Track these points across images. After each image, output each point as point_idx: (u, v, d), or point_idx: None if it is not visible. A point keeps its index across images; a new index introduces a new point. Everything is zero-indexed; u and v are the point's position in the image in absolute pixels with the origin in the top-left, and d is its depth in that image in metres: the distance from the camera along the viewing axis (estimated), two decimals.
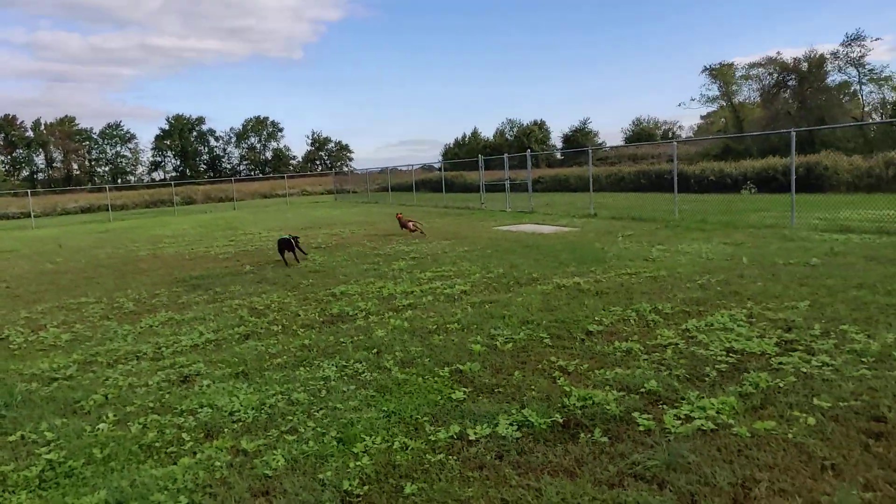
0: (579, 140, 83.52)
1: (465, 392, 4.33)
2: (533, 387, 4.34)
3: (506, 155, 24.04)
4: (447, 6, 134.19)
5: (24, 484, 3.42)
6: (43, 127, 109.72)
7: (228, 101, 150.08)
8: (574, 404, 3.91)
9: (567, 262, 9.44)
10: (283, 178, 53.87)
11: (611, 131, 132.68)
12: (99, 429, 4.10)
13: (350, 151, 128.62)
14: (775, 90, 49.73)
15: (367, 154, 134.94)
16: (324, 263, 11.17)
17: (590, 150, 21.12)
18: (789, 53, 53.05)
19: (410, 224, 15.79)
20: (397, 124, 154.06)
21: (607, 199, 23.00)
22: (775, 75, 50.64)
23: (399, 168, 42.92)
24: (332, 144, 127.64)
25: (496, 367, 4.84)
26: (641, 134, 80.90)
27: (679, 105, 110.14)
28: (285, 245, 11.64)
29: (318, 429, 3.88)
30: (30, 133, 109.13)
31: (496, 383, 4.49)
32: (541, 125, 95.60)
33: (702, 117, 76.58)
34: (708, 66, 55.47)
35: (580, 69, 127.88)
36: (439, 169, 57.53)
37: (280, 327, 6.61)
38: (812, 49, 46.56)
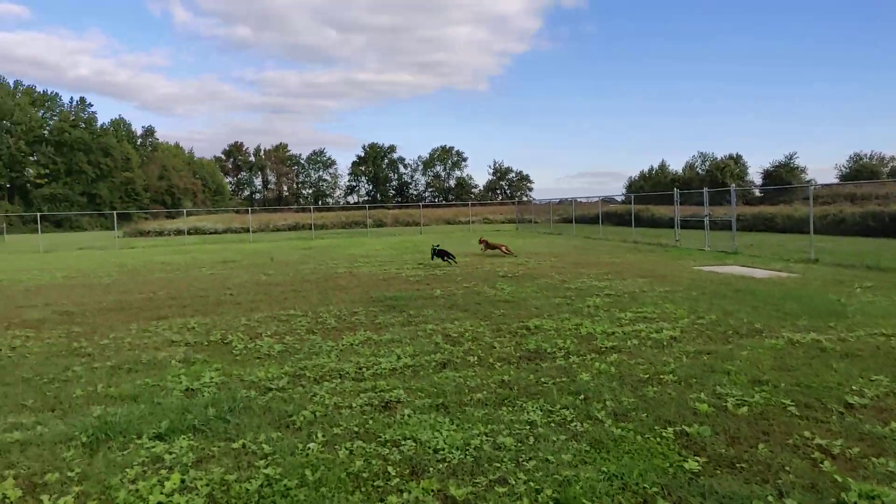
0: (783, 176, 76.21)
1: (698, 462, 3.71)
2: (788, 468, 3.60)
3: (706, 189, 22.26)
4: (632, 39, 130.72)
5: (244, 496, 3.45)
6: (262, 153, 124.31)
7: (418, 130, 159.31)
8: (856, 502, 3.13)
9: (795, 314, 8.22)
10: (466, 205, 55.30)
11: (820, 168, 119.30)
12: (310, 448, 4.10)
13: (530, 181, 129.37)
14: None
15: (547, 184, 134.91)
16: (513, 294, 10.92)
17: (811, 188, 18.67)
18: None
19: (503, 247, 19.65)
20: (577, 156, 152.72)
21: (826, 243, 20.31)
22: None
23: (579, 199, 42.36)
24: (513, 174, 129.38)
25: (731, 435, 4.14)
26: (862, 171, 71.63)
27: None
28: (438, 253, 17.37)
29: (531, 483, 3.51)
30: (252, 158, 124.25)
31: (736, 456, 3.81)
32: (736, 159, 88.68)
33: None
34: None
35: (782, 101, 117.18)
36: (623, 201, 55.76)
37: (476, 358, 6.39)
38: None
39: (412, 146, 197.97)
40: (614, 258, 17.55)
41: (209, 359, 6.71)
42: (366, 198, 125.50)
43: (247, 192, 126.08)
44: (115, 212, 36.53)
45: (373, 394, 5.28)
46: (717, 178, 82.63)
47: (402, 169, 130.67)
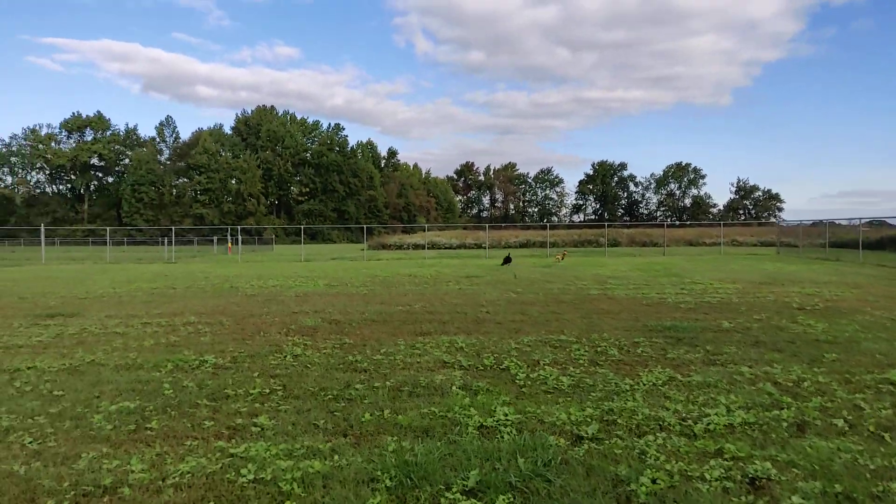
0: None
1: None
2: None
3: None
4: None
5: None
6: (491, 172, 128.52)
7: (650, 147, 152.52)
8: None
9: None
10: (719, 224, 50.60)
11: None
12: None
13: (780, 201, 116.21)
14: None
15: (799, 205, 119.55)
16: (830, 332, 8.74)
17: None
18: None
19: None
20: (837, 173, 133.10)
21: None
22: None
23: (837, 221, 36.09)
24: (760, 193, 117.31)
25: None
26: None
27: None
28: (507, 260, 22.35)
29: None
30: (481, 177, 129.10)
31: None
32: None
33: None
34: None
35: None
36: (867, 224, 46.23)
37: (842, 422, 4.74)
38: None
39: (644, 164, 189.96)
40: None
41: (492, 387, 5.94)
42: (592, 216, 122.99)
43: (475, 210, 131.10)
44: (363, 226, 39.73)
45: (723, 461, 3.98)
46: None
47: (632, 187, 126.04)
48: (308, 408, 5.36)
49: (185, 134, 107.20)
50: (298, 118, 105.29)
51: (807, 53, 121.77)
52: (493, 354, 7.51)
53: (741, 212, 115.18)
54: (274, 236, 73.48)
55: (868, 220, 37.91)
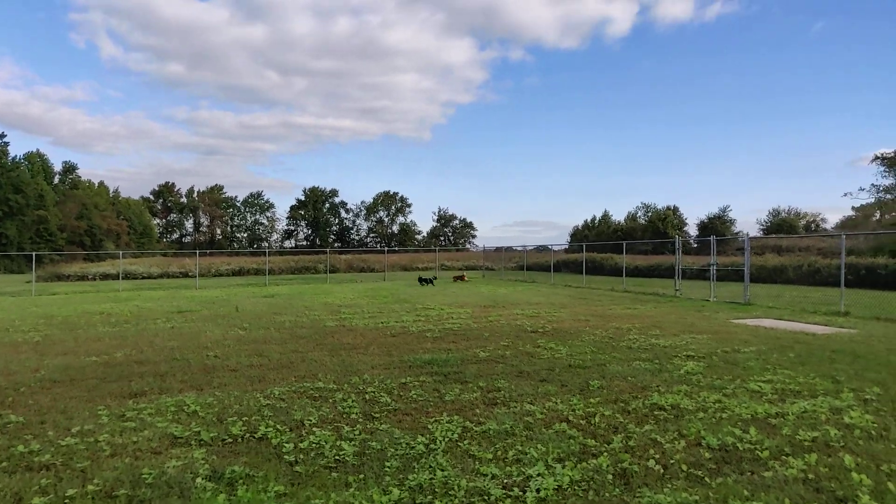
0: (717, 227, 78.65)
1: None
2: None
3: (713, 237, 21.16)
4: (577, 96, 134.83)
5: None
6: (195, 194, 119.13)
7: (360, 176, 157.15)
8: None
9: None
10: (434, 250, 53.45)
11: (745, 221, 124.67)
12: None
13: (474, 229, 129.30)
14: None
15: (485, 232, 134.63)
16: (574, 355, 9.01)
17: (844, 237, 17.54)
18: None
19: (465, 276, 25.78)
20: (514, 205, 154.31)
21: (836, 295, 19.51)
22: None
23: (515, 248, 42.24)
24: (457, 221, 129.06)
25: None
26: (783, 225, 74.87)
27: (845, 195, 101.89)
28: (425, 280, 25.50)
29: None
30: (183, 199, 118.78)
31: None
32: (674, 210, 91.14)
33: (854, 209, 69.68)
34: (881, 155, 50.24)
35: (713, 159, 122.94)
36: (567, 250, 55.15)
37: (658, 466, 4.40)
38: None
39: (354, 191, 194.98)
40: (629, 310, 15.97)
41: (254, 472, 4.42)
42: (304, 242, 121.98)
43: (177, 234, 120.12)
44: (30, 254, 32.22)
45: None
46: (659, 228, 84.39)
47: (343, 213, 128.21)
48: None
49: None
50: None
51: (492, 100, 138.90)
52: (241, 417, 5.90)
53: (442, 238, 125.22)
54: None
55: (536, 246, 43.97)
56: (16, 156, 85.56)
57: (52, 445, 5.15)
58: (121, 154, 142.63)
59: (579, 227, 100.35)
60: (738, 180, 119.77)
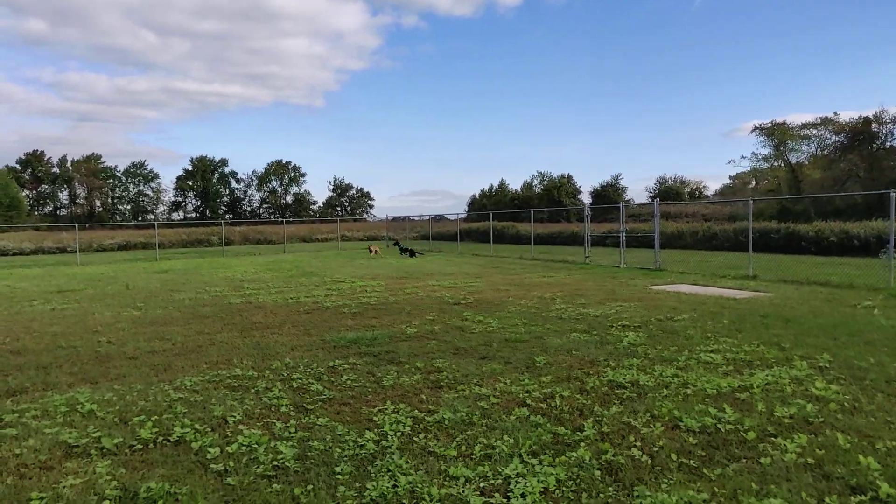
0: (610, 195, 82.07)
1: None
2: None
3: (622, 204, 21.56)
4: (469, 65, 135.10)
5: None
6: (69, 164, 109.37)
7: (250, 145, 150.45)
8: None
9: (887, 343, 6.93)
10: (336, 221, 51.90)
11: (634, 189, 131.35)
12: None
13: (371, 199, 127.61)
14: (839, 152, 47.71)
15: (382, 202, 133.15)
16: (508, 328, 8.69)
17: (751, 202, 18.17)
18: (847, 115, 50.99)
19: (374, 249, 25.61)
20: (412, 175, 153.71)
21: (736, 259, 20.53)
22: (833, 136, 48.80)
23: (413, 217, 42.19)
24: (354, 191, 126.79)
25: None
26: (669, 192, 79.25)
27: (729, 162, 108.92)
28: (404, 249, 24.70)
29: None
30: (55, 169, 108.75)
31: None
32: (569, 178, 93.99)
33: (731, 177, 75.13)
34: (759, 125, 53.89)
35: (602, 131, 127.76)
36: (465, 219, 55.38)
37: (645, 457, 4.08)
38: (883, 109, 44.60)
39: (245, 161, 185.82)
40: (545, 278, 15.97)
41: (175, 488, 3.68)
42: (193, 214, 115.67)
43: (50, 207, 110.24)
44: None
45: None
46: (554, 195, 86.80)
47: (234, 184, 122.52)
48: None
49: None
50: None
51: (386, 66, 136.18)
52: (149, 416, 5.05)
53: (339, 208, 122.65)
54: None
55: (433, 215, 43.86)
56: None
57: None
58: None
59: (476, 197, 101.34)
60: (627, 151, 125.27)
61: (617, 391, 5.40)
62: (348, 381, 6.03)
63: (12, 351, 7.97)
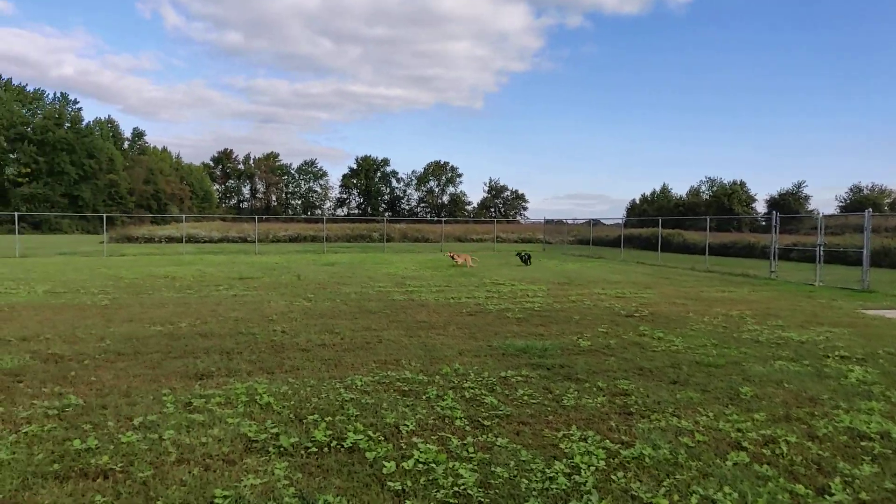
0: (790, 204, 74.65)
1: None
2: None
3: (820, 213, 19.14)
4: (633, 64, 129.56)
5: None
6: (252, 161, 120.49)
7: (411, 145, 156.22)
8: None
9: None
10: (491, 221, 52.25)
11: (819, 199, 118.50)
12: None
13: (525, 201, 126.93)
14: None
15: (536, 205, 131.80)
16: (693, 348, 7.71)
17: None
18: None
19: (459, 258, 22.32)
20: (565, 177, 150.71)
21: None
22: None
23: (566, 221, 40.66)
24: (509, 192, 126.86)
25: None
26: (865, 202, 70.04)
27: None
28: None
29: None
30: (241, 166, 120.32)
31: None
32: (741, 185, 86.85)
33: None
34: None
35: (783, 132, 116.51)
36: (625, 224, 52.36)
37: None
38: None
39: (405, 160, 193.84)
40: (725, 293, 14.45)
41: (353, 501, 3.39)
42: (356, 211, 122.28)
43: (234, 200, 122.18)
44: (102, 215, 32.78)
45: None
46: (724, 203, 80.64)
47: (394, 183, 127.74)
48: None
49: None
50: (15, 84, 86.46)
51: (547, 68, 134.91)
52: (323, 417, 4.90)
53: (493, 209, 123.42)
54: None
55: (589, 219, 42.15)
56: (88, 122, 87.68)
57: (112, 442, 4.29)
58: (184, 122, 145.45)
59: (636, 202, 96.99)
60: (812, 156, 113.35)
61: (862, 443, 4.38)
62: (524, 397, 5.54)
63: (201, 333, 8.44)
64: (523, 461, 4.01)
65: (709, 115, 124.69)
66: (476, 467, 3.91)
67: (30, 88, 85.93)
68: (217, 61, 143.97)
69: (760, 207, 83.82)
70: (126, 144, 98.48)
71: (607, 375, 6.33)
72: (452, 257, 22.88)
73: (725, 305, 12.04)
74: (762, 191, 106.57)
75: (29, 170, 78.59)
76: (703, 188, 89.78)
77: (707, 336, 8.63)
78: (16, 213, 34.69)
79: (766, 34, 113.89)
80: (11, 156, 79.37)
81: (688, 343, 8.09)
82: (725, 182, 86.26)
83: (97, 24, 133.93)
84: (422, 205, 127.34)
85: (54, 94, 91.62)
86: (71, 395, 5.44)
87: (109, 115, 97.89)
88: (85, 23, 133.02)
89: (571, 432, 4.57)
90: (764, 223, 71.02)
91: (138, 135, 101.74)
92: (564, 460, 4.02)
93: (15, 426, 4.64)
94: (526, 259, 24.13)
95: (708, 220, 25.24)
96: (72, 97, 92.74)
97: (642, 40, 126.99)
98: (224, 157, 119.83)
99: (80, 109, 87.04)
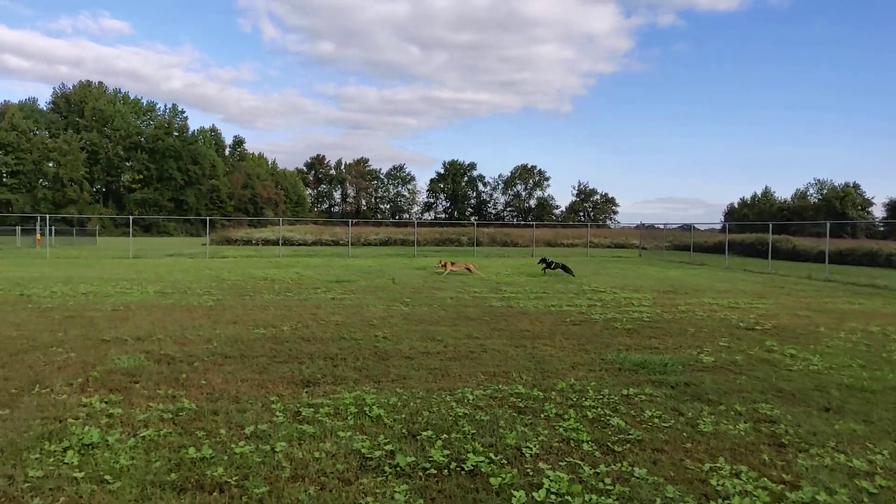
0: None
1: None
2: None
3: None
4: (729, 62, 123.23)
5: None
6: (343, 166, 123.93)
7: (497, 149, 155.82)
8: None
9: None
10: (586, 226, 51.17)
11: None
12: None
13: (616, 204, 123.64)
14: None
15: (625, 208, 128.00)
16: (835, 369, 6.87)
17: None
18: None
19: (455, 266, 19.66)
20: (656, 181, 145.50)
21: None
22: None
23: (657, 225, 38.63)
24: (598, 196, 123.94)
25: None
26: None
27: None
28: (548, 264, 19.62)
29: None
30: (332, 171, 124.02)
31: None
32: (855, 187, 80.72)
33: None
34: None
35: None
36: (720, 229, 49.51)
37: None
38: None
39: (492, 165, 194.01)
40: (854, 305, 13.12)
41: None
42: (443, 215, 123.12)
43: (326, 204, 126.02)
44: (205, 218, 34.57)
45: None
46: (836, 207, 75.18)
47: (480, 187, 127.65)
48: None
49: None
50: (131, 98, 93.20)
51: (636, 69, 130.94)
52: (437, 433, 4.60)
53: (581, 213, 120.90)
54: (99, 227, 63.61)
55: (680, 224, 40.02)
56: (193, 131, 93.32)
57: (226, 452, 4.17)
58: (277, 129, 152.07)
59: (735, 206, 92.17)
60: None
61: None
62: (653, 419, 5.01)
63: (304, 338, 8.40)
64: (671, 499, 3.52)
65: (814, 112, 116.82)
66: (617, 502, 3.47)
67: (144, 101, 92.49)
68: (310, 70, 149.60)
69: (878, 212, 77.67)
70: (227, 151, 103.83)
71: (742, 397, 5.69)
72: (444, 266, 19.42)
73: (859, 319, 10.88)
74: (878, 194, 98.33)
75: (141, 176, 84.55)
76: (811, 191, 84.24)
77: (848, 355, 7.72)
78: (130, 217, 37.10)
79: (881, 28, 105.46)
80: (127, 163, 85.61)
81: (828, 362, 7.24)
82: (836, 184, 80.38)
83: (203, 40, 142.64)
84: (508, 209, 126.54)
85: (164, 105, 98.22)
86: (184, 398, 5.42)
87: (213, 125, 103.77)
88: (192, 39, 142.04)
89: (719, 465, 4.03)
90: (882, 228, 65.42)
91: (238, 142, 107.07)
92: (721, 501, 3.50)
93: (133, 429, 4.62)
94: (555, 266, 19.60)
95: (828, 224, 23.17)
96: (179, 108, 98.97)
97: (740, 36, 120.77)
98: (316, 163, 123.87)
99: (186, 119, 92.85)
